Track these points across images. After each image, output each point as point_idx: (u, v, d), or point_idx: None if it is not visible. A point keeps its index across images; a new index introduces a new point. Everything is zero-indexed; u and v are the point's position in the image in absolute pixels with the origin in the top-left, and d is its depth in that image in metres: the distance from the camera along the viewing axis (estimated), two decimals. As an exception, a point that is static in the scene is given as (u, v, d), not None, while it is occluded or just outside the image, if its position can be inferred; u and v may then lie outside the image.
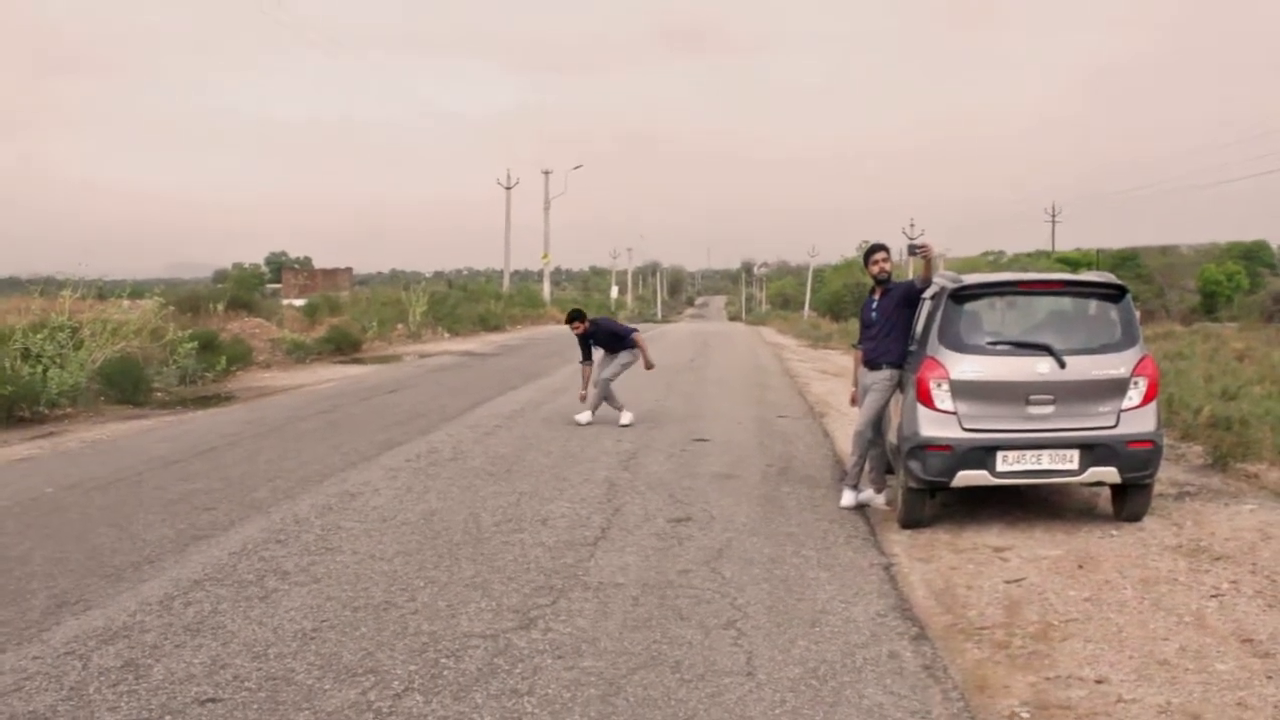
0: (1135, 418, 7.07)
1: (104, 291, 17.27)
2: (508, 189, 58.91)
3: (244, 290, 30.26)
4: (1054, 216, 74.91)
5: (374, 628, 5.13)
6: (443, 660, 4.71)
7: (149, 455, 10.17)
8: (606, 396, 12.32)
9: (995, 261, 60.59)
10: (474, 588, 5.79)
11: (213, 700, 4.25)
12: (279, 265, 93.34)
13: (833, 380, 18.40)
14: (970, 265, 47.92)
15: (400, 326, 30.36)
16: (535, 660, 4.73)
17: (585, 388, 12.44)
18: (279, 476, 8.91)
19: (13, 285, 26.18)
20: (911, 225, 73.62)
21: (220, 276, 70.38)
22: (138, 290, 18.87)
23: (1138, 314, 7.74)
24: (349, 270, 76.93)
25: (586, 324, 12.42)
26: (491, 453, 10.20)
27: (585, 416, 12.21)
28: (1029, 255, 63.22)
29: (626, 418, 12.09)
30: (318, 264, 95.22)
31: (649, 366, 12.55)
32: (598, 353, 12.52)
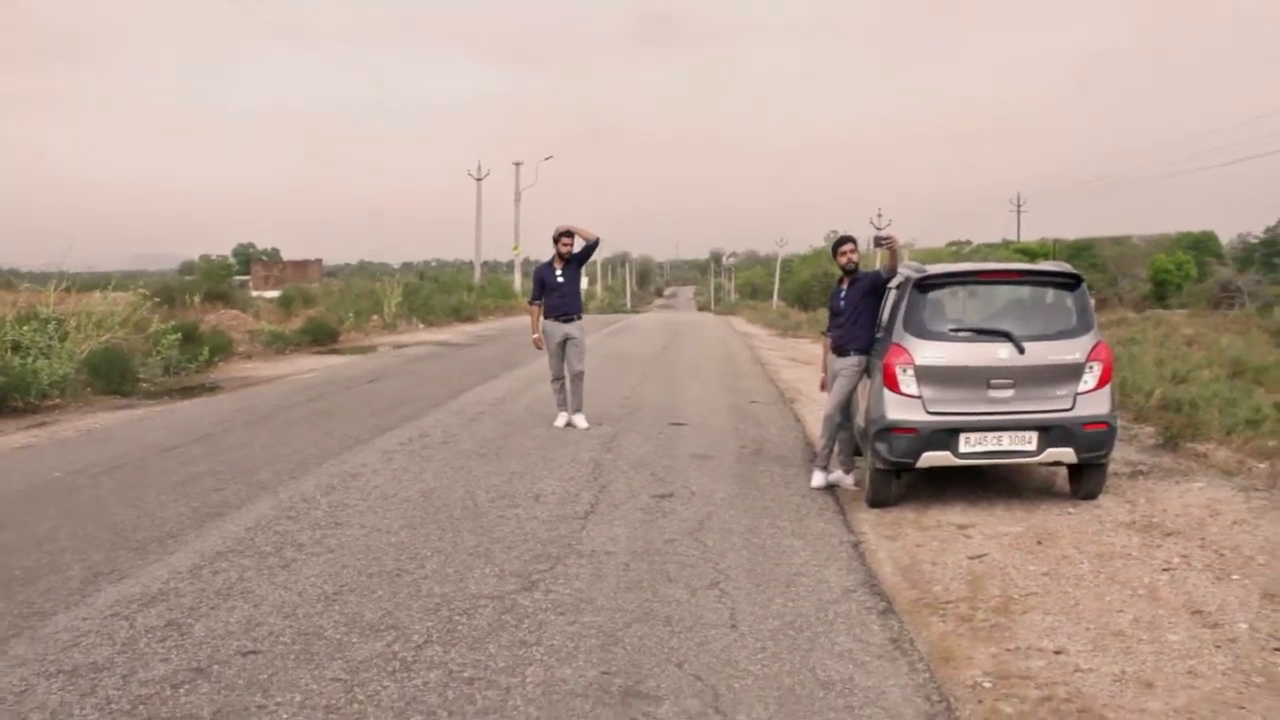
0: (1090, 401, 7.33)
1: (72, 283, 17.45)
2: (478, 180, 59.05)
3: (214, 282, 30.45)
4: (1019, 207, 76.07)
5: (390, 591, 5.61)
6: (456, 618, 5.20)
7: (147, 442, 10.53)
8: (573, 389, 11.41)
9: (958, 252, 61.68)
10: (477, 556, 6.28)
11: (253, 652, 4.73)
12: (247, 257, 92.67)
13: (802, 368, 18.89)
14: (933, 255, 48.84)
15: (375, 317, 30.64)
16: (540, 617, 5.23)
17: (537, 330, 11.44)
18: (279, 460, 9.33)
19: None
20: (879, 215, 74.33)
21: (187, 268, 69.73)
22: (103, 282, 19.03)
23: (1092, 302, 8.01)
24: (319, 262, 76.67)
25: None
26: (479, 436, 10.66)
27: (582, 421, 11.31)
28: (989, 246, 64.52)
29: (582, 420, 11.34)
30: (286, 255, 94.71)
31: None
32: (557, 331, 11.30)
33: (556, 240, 11.31)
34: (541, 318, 11.43)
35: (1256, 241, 73.12)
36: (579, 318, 11.44)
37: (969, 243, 76.75)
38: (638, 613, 5.30)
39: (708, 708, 4.19)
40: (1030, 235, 72.75)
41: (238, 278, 58.62)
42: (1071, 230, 74.60)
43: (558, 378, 11.46)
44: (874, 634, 5.10)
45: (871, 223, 72.63)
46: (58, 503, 7.77)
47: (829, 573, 6.04)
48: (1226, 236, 74.56)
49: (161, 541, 6.59)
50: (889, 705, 4.24)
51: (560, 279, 11.32)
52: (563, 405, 11.47)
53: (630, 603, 5.46)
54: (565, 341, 11.27)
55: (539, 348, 11.60)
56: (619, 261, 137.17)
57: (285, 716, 4.08)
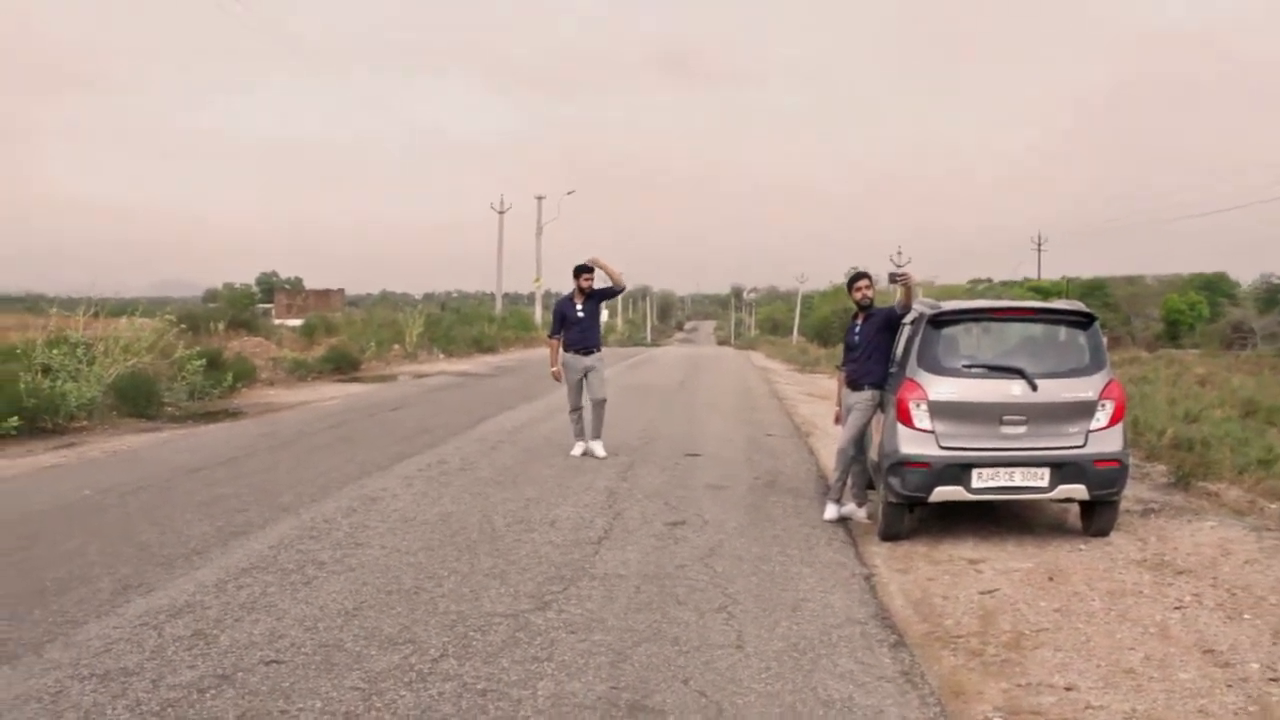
0: (1103, 438, 7.37)
1: (100, 309, 17.84)
2: (500, 213, 59.68)
3: (238, 310, 30.87)
4: (1039, 246, 76.16)
5: (407, 608, 5.80)
6: (471, 634, 5.38)
7: (172, 464, 10.78)
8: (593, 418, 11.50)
9: (971, 289, 61.98)
10: (493, 577, 6.46)
11: (276, 661, 4.92)
12: (270, 286, 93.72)
13: (819, 403, 19.02)
14: (949, 292, 49.01)
15: (397, 347, 30.98)
16: (552, 634, 5.39)
17: (556, 363, 11.63)
18: (301, 483, 9.55)
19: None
20: (899, 253, 74.58)
21: (210, 296, 70.52)
22: (127, 309, 19.45)
23: (1105, 340, 8.06)
24: (341, 291, 77.49)
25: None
26: (497, 464, 10.86)
27: (600, 449, 11.40)
28: (1004, 284, 64.95)
29: (600, 449, 11.44)
30: (308, 284, 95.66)
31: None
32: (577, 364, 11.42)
33: (577, 275, 11.42)
34: (561, 350, 11.55)
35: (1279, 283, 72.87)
36: (598, 350, 11.59)
37: (989, 280, 76.76)
38: (647, 633, 5.46)
39: (712, 722, 4.34)
40: (1051, 274, 72.95)
41: (261, 306, 59.28)
42: (1091, 269, 75.04)
43: (576, 409, 11.55)
44: (874, 657, 5.22)
45: (891, 259, 72.76)
46: (87, 520, 8.00)
47: (835, 598, 6.18)
48: (1242, 278, 74.63)
49: (187, 558, 6.80)
50: (887, 724, 4.39)
51: (580, 313, 11.45)
52: (579, 435, 11.55)
53: (640, 623, 5.62)
54: (585, 374, 11.36)
55: (557, 380, 11.69)
56: (640, 295, 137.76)
57: (307, 721, 4.26)
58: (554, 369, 11.69)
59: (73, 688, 4.56)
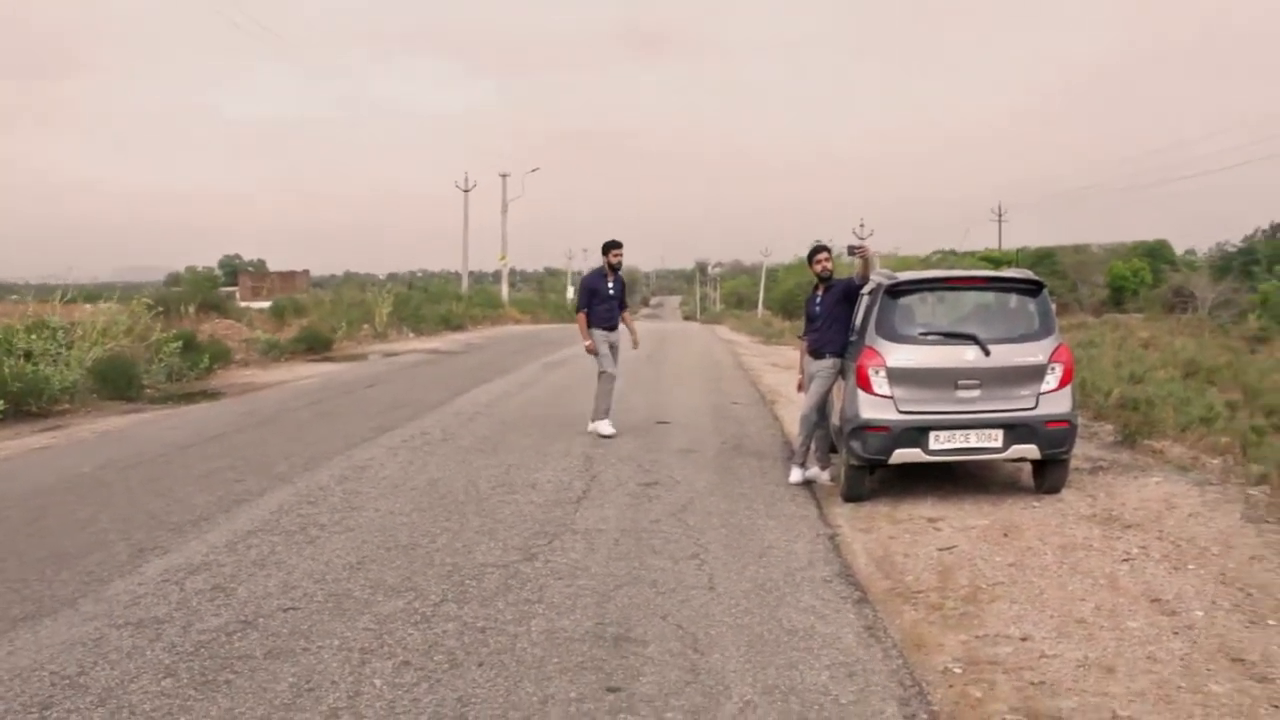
0: (1053, 400, 7.68)
1: (76, 295, 18.10)
2: (465, 192, 59.85)
3: (203, 293, 30.94)
4: (1000, 217, 77.30)
5: (406, 561, 6.32)
6: (467, 582, 5.91)
7: (163, 441, 11.18)
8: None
9: (926, 259, 63.15)
10: (482, 533, 6.99)
11: (293, 609, 5.43)
12: (233, 268, 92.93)
13: (783, 373, 19.52)
14: (905, 264, 49.92)
15: (367, 327, 31.22)
16: (541, 581, 5.93)
17: (588, 337, 11.41)
18: (291, 455, 10.00)
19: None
20: (861, 225, 75.42)
21: (173, 280, 69.85)
22: (102, 294, 19.73)
23: (1054, 306, 8.32)
24: (306, 273, 77.00)
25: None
26: (477, 434, 11.35)
27: (608, 428, 11.23)
28: (955, 255, 66.43)
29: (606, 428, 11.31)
30: (271, 266, 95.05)
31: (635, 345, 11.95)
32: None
33: (607, 251, 11.36)
34: (595, 329, 11.34)
35: (1234, 250, 74.42)
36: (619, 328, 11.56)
37: (953, 251, 77.86)
38: (627, 578, 6.01)
39: (687, 649, 4.90)
40: (1011, 244, 74.27)
41: (225, 289, 58.97)
42: (1048, 239, 76.53)
43: (610, 375, 11.34)
44: (834, 591, 5.78)
45: (854, 232, 73.53)
46: (92, 493, 8.42)
47: (798, 547, 6.75)
48: (1180, 246, 76.69)
49: (195, 524, 7.27)
50: (844, 647, 4.95)
51: (611, 290, 11.38)
52: (605, 410, 11.33)
53: (620, 570, 6.16)
54: (611, 349, 11.37)
55: (592, 353, 11.42)
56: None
57: (327, 656, 4.77)
58: (587, 342, 11.42)
59: (111, 634, 5.05)
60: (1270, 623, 5.17)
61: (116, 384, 15.53)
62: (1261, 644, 4.90)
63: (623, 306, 11.56)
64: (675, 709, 4.22)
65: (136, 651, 4.83)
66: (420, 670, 4.61)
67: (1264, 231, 78.56)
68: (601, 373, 11.36)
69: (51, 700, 4.30)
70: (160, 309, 21.11)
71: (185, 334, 19.18)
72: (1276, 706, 4.24)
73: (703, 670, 4.63)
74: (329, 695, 4.33)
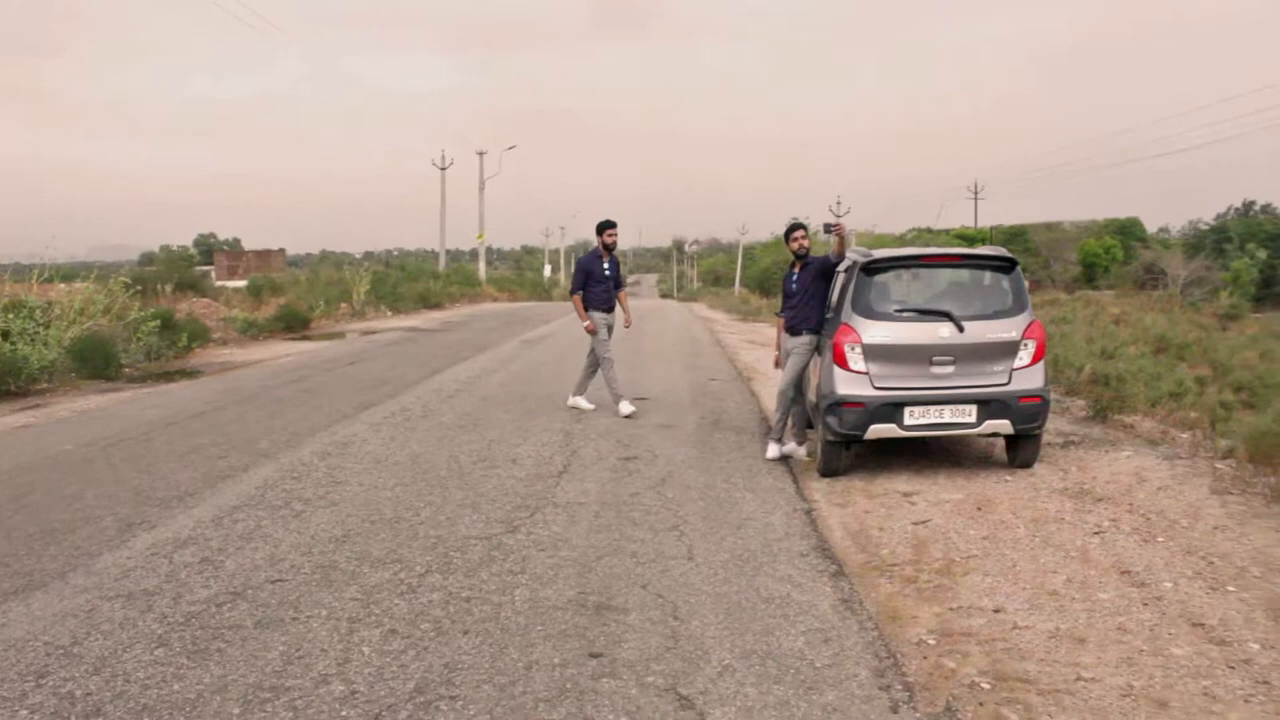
0: (1025, 376, 7.79)
1: (54, 274, 18.05)
2: (442, 170, 59.58)
3: (178, 273, 30.80)
4: (976, 195, 77.67)
5: (391, 534, 6.44)
6: (451, 554, 6.03)
7: (144, 419, 11.22)
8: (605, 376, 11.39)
9: (902, 237, 63.76)
10: (465, 507, 7.12)
11: (280, 580, 5.54)
12: (208, 247, 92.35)
13: (760, 350, 19.74)
14: (880, 241, 50.37)
15: (344, 305, 31.21)
16: (523, 553, 6.06)
17: (586, 317, 11.27)
18: (274, 432, 10.08)
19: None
20: (838, 203, 75.72)
21: (147, 259, 69.25)
22: (79, 274, 19.66)
23: (1026, 283, 8.45)
24: (282, 251, 76.56)
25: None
26: (458, 410, 11.46)
27: (627, 407, 11.17)
28: (931, 233, 67.14)
29: (586, 403, 11.54)
30: (246, 245, 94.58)
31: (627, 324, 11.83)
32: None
33: (601, 232, 11.22)
34: (592, 311, 11.23)
35: (1207, 229, 75.18)
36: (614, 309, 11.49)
37: (929, 229, 78.26)
38: (607, 549, 6.15)
39: (667, 616, 5.04)
40: (985, 222, 74.84)
41: (201, 268, 58.59)
42: (1021, 217, 77.42)
43: (608, 360, 11.29)
44: (809, 564, 5.93)
45: (831, 209, 73.92)
46: (76, 470, 8.48)
47: (774, 519, 6.90)
48: (1153, 225, 77.64)
49: (181, 499, 7.37)
50: (821, 615, 5.10)
51: (607, 271, 11.27)
52: (620, 392, 11.32)
53: (601, 541, 6.30)
54: (609, 331, 11.30)
55: (592, 333, 11.23)
56: (582, 249, 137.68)
57: (316, 625, 4.89)
58: (586, 322, 11.25)
59: (103, 606, 5.15)
60: (1230, 589, 5.36)
61: (95, 363, 15.51)
62: (1221, 609, 5.09)
63: (618, 286, 11.45)
64: (656, 673, 4.36)
65: (128, 622, 4.93)
66: (407, 638, 4.73)
67: (1236, 210, 79.54)
68: (603, 357, 11.28)
69: (47, 669, 4.40)
70: (137, 288, 21.08)
71: (163, 313, 19.13)
72: (1232, 667, 4.43)
73: (682, 636, 4.77)
74: (319, 663, 4.45)
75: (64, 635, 4.78)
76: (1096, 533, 6.34)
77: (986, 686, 4.28)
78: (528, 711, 3.99)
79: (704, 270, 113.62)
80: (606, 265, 11.29)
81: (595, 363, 11.43)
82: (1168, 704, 4.09)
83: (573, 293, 11.44)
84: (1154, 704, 4.09)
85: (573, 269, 11.81)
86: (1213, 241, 68.68)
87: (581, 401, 11.58)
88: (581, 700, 4.09)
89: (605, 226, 11.22)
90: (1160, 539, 6.20)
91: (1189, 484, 7.47)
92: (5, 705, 4.06)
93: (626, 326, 11.66)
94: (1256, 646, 4.62)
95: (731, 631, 4.84)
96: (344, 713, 3.98)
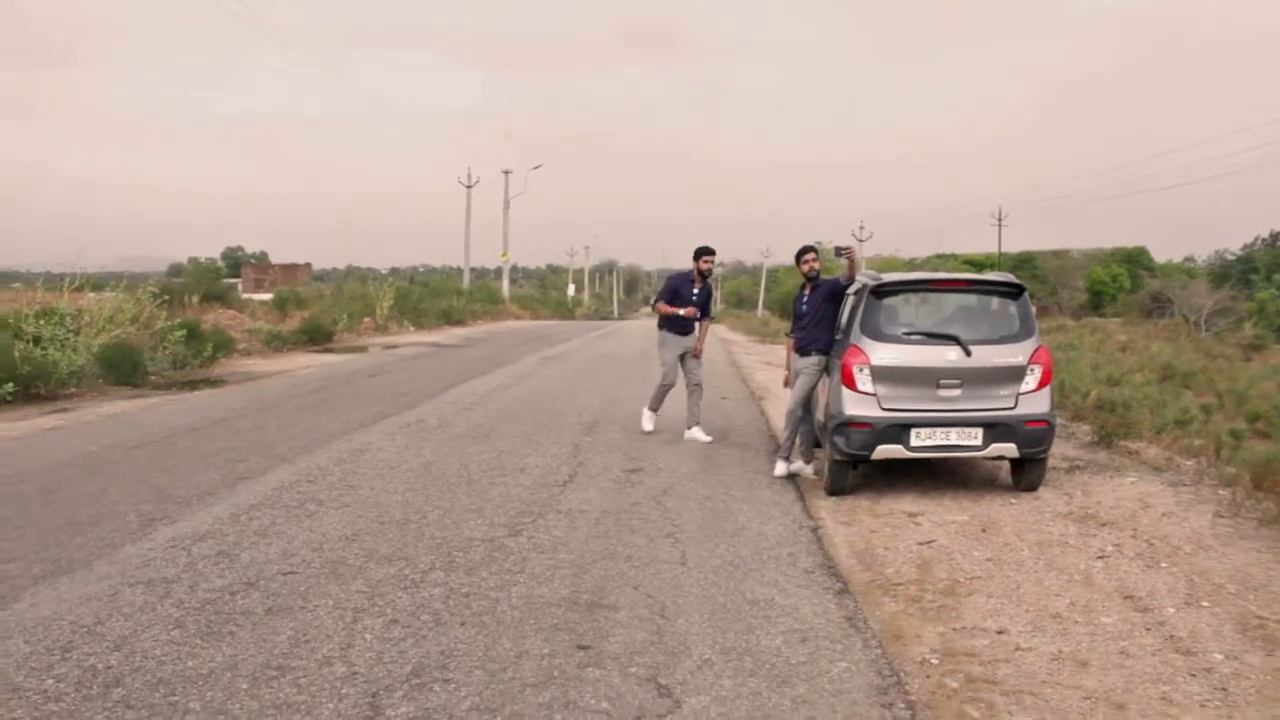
0: (1032, 400, 7.85)
1: (84, 283, 18.52)
2: (468, 188, 60.24)
3: (206, 284, 31.36)
4: (1000, 221, 77.67)
5: (398, 534, 6.74)
6: (454, 553, 6.32)
7: (168, 424, 11.60)
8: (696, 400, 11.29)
9: (911, 262, 64.04)
10: (471, 511, 7.41)
11: (291, 573, 5.85)
12: (235, 260, 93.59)
13: (774, 371, 19.95)
14: (890, 265, 50.61)
15: (368, 319, 31.69)
16: (523, 554, 6.34)
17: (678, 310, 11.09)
18: (293, 438, 10.43)
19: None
20: (860, 228, 76.00)
21: (175, 270, 70.28)
22: (109, 283, 20.16)
23: (1034, 309, 8.51)
24: (308, 266, 77.70)
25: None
26: (471, 422, 11.79)
27: (701, 434, 11.10)
28: (939, 258, 67.68)
29: (702, 434, 11.12)
30: (273, 259, 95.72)
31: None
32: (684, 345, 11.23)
33: (698, 258, 11.04)
34: (667, 331, 11.21)
35: (1234, 259, 74.95)
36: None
37: (954, 255, 78.40)
38: (604, 553, 6.42)
39: (655, 615, 5.30)
40: (991, 248, 75.02)
41: (228, 280, 59.38)
42: (1038, 243, 77.76)
43: (669, 385, 11.32)
44: (799, 566, 6.18)
45: (853, 234, 74.18)
46: (101, 470, 8.84)
47: (769, 529, 7.15)
48: (1166, 254, 77.92)
49: (200, 498, 7.71)
50: (801, 617, 5.35)
51: (695, 295, 11.12)
52: (656, 408, 11.47)
53: (598, 546, 6.58)
54: (684, 356, 11.21)
55: (692, 317, 11.10)
56: (606, 269, 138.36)
57: (323, 613, 5.19)
58: (683, 310, 11.06)
59: (124, 591, 5.48)
60: (1204, 606, 5.56)
61: (122, 370, 15.94)
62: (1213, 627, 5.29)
63: (705, 314, 11.31)
64: (639, 664, 4.62)
65: (148, 606, 5.25)
66: (407, 628, 5.02)
67: (1264, 240, 79.18)
68: (666, 385, 11.30)
69: (71, 644, 4.72)
70: (165, 298, 21.57)
71: (189, 323, 19.58)
72: (1193, 672, 4.65)
73: (667, 633, 5.03)
74: (323, 646, 4.74)
75: (88, 615, 5.10)
76: (1100, 557, 6.41)
77: (988, 706, 4.35)
78: (515, 694, 4.27)
79: (728, 292, 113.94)
80: (697, 290, 11.15)
81: (698, 384, 11.25)
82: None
83: (654, 302, 11.47)
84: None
85: (661, 285, 11.81)
86: (1239, 272, 68.46)
87: (698, 433, 11.07)
88: (566, 686, 4.36)
89: (703, 252, 11.03)
90: (1164, 565, 6.24)
91: (1193, 511, 7.54)
92: (35, 674, 4.39)
93: (696, 356, 11.27)
94: (1219, 657, 4.83)
95: (714, 630, 5.09)
96: (344, 690, 4.27)
